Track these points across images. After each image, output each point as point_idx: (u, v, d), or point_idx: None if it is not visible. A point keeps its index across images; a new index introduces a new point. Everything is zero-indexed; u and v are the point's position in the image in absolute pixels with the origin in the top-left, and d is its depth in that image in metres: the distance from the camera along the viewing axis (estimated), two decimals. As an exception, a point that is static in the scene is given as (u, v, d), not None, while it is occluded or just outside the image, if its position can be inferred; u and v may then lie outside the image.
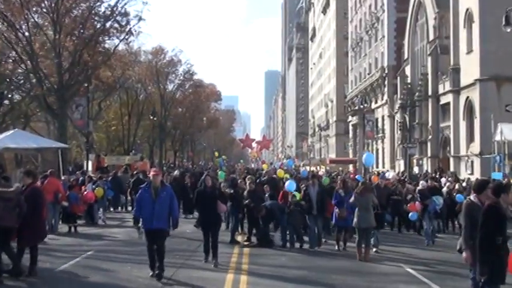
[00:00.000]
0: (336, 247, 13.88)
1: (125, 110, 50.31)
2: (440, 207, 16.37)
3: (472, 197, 7.26)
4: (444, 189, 19.16)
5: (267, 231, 14.76)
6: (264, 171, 23.20)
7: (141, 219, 9.78)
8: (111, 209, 23.15)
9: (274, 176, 20.14)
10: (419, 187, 16.87)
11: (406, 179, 24.77)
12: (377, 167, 56.22)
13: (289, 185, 15.28)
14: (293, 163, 33.11)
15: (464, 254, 7.08)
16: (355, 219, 12.60)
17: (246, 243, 14.50)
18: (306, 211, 14.18)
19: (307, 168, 59.48)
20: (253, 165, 57.03)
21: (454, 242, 9.10)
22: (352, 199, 12.88)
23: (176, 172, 23.01)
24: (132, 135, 51.01)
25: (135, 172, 26.95)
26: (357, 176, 22.13)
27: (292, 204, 14.19)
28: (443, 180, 24.20)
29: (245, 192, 14.96)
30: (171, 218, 9.81)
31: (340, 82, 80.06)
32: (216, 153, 60.96)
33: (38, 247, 10.11)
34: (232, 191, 15.26)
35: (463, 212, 7.35)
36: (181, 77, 59.21)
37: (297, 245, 14.11)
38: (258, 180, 17.64)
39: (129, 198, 23.19)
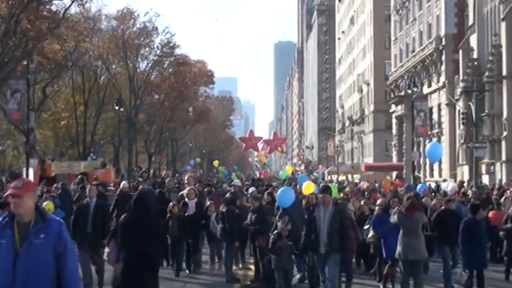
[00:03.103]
0: (390, 286, 13.81)
1: (80, 97, 50.44)
2: None
3: None
4: None
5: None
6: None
7: None
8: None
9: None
10: None
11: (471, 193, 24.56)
12: (431, 176, 56.18)
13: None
14: (308, 178, 29.21)
15: None
16: (398, 248, 12.55)
17: (248, 282, 14.65)
18: (301, 249, 12.54)
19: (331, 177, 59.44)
20: (257, 174, 57.01)
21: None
22: (393, 219, 12.75)
23: (124, 183, 22.76)
24: (89, 133, 51.14)
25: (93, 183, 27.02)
26: (420, 185, 22.25)
27: (276, 238, 12.57)
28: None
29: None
30: None
31: (380, 58, 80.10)
32: (216, 163, 60.99)
33: None
34: (225, 210, 15.25)
35: None
36: (158, 52, 59.23)
37: None
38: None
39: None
